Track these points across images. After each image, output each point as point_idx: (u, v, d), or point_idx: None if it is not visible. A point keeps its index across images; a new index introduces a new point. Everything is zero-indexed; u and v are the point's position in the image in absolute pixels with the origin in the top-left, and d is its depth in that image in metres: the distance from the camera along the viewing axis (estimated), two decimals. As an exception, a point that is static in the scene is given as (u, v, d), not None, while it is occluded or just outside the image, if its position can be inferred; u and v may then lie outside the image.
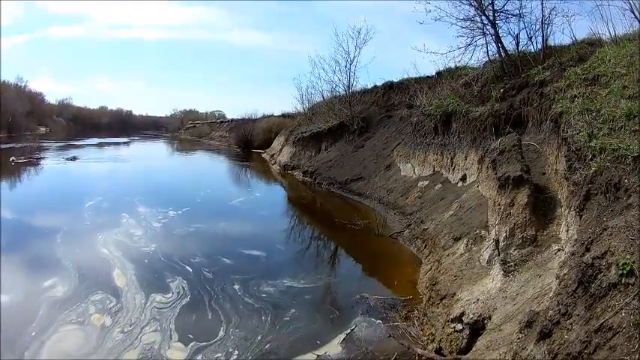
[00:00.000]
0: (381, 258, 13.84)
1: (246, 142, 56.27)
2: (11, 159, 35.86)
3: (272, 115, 62.31)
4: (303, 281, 11.12)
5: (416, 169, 20.23)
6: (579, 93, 9.10)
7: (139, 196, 21.36)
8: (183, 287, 10.33)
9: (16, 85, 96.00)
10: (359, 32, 33.01)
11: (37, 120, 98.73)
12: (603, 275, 4.77)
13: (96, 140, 72.26)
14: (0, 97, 69.86)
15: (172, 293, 9.98)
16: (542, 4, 15.40)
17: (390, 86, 31.73)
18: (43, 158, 38.64)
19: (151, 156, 54.21)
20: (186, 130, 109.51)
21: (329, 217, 19.40)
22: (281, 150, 41.10)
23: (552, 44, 15.40)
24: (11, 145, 48.84)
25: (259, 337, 8.18)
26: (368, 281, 11.87)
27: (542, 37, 15.50)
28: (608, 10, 11.80)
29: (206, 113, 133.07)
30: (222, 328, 8.45)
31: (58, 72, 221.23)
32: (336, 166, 28.04)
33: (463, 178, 15.77)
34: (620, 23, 11.83)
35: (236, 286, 10.47)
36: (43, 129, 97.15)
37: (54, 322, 8.52)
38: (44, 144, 52.77)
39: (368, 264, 13.14)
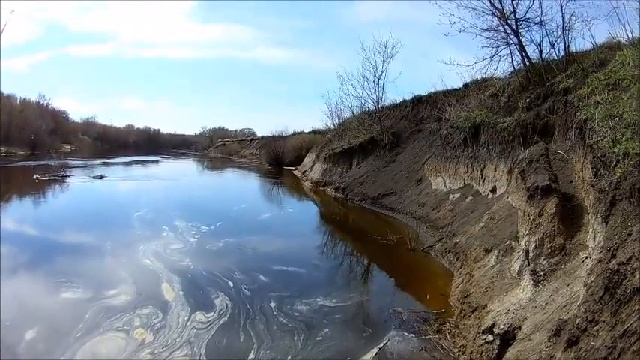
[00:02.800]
0: (413, 272, 13.84)
1: (277, 159, 56.72)
2: (35, 176, 35.81)
3: (302, 132, 63.06)
4: (336, 299, 10.99)
5: (447, 182, 20.20)
6: (602, 99, 9.03)
7: (175, 212, 21.70)
8: (226, 304, 10.39)
9: (38, 102, 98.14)
10: (385, 46, 33.10)
11: (62, 138, 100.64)
12: (628, 280, 4.76)
13: (124, 159, 73.04)
14: (2, 113, 70.66)
15: (214, 312, 10.02)
16: (561, 10, 15.38)
17: (418, 100, 31.71)
18: (68, 176, 38.70)
19: (182, 174, 54.34)
20: (216, 149, 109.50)
21: (361, 233, 19.29)
22: (312, 167, 41.26)
23: (574, 50, 15.38)
24: (35, 163, 49.45)
25: (289, 358, 8.12)
26: (401, 295, 11.77)
27: (564, 43, 15.50)
28: (625, 12, 11.74)
29: (235, 131, 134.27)
30: (253, 350, 8.36)
31: (81, 91, 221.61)
32: (367, 181, 28.06)
33: (493, 190, 15.73)
34: (636, 26, 11.74)
35: (272, 304, 10.46)
36: (68, 147, 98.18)
37: (100, 327, 8.92)
38: (69, 162, 53.32)
39: (401, 278, 13.07)
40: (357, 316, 10.30)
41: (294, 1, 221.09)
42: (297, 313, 10.08)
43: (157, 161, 75.11)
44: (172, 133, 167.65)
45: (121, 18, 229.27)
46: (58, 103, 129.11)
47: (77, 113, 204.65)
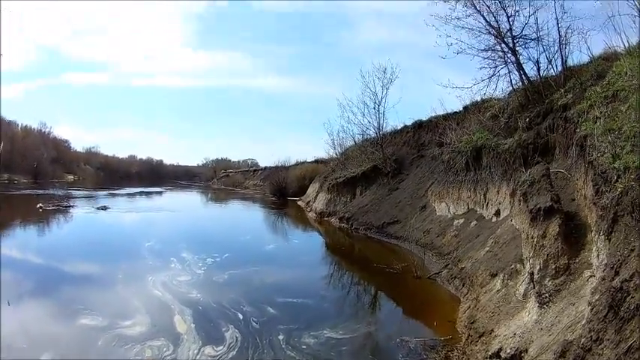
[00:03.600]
0: (420, 300, 13.82)
1: (280, 190, 57.06)
2: (39, 206, 35.37)
3: (305, 162, 63.77)
4: (343, 331, 10.80)
5: (450, 207, 20.14)
6: (601, 113, 8.93)
7: (182, 244, 21.62)
8: (236, 337, 10.23)
9: (40, 130, 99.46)
10: (384, 72, 33.26)
11: (64, 167, 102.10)
12: (631, 297, 4.70)
13: (127, 190, 73.01)
14: (3, 140, 71.04)
15: (224, 345, 9.87)
16: (557, 24, 15.45)
17: (419, 125, 31.76)
18: (72, 207, 38.38)
19: (187, 205, 54.86)
20: (219, 180, 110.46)
21: (367, 262, 19.41)
22: (316, 197, 41.30)
23: (572, 64, 15.36)
24: (40, 192, 50.34)
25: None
26: (408, 324, 11.76)
27: (562, 58, 15.52)
28: (620, 20, 11.67)
29: (239, 162, 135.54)
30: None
31: (81, 119, 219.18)
32: (372, 210, 28.03)
33: (497, 213, 15.63)
34: (632, 33, 11.68)
35: (280, 337, 10.30)
36: (71, 177, 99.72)
37: (111, 356, 9.03)
38: (73, 192, 53.91)
39: (407, 307, 13.06)
40: (364, 347, 10.19)
41: (291, 28, 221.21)
42: (304, 346, 9.95)
43: (160, 192, 75.44)
44: (175, 164, 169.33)
45: (117, 45, 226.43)
46: (58, 132, 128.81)
47: (79, 142, 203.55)
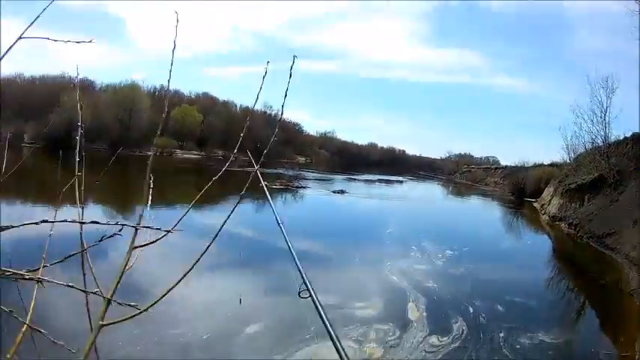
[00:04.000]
0: (615, 314, 14.62)
1: (519, 190, 57.89)
2: (262, 184, 36.53)
3: (542, 164, 63.40)
4: (554, 336, 11.43)
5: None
6: None
7: (424, 233, 23.56)
8: (462, 330, 10.70)
9: (264, 112, 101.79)
10: (607, 81, 33.89)
11: (295, 149, 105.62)
12: None
13: (366, 176, 74.69)
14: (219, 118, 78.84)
15: (449, 337, 10.32)
16: None
17: (638, 138, 31.70)
18: (303, 187, 39.76)
19: (428, 196, 57.22)
20: (461, 174, 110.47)
21: (583, 271, 20.98)
22: (550, 200, 41.72)
23: None
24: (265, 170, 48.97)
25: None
26: (600, 336, 12.67)
27: None
28: None
29: (480, 158, 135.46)
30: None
31: (312, 105, 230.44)
32: (595, 219, 28.65)
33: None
34: None
35: (501, 334, 10.76)
36: (302, 159, 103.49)
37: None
38: (304, 173, 56.80)
39: (605, 319, 14.00)
40: (564, 355, 11.29)
41: (514, 29, 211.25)
42: (518, 346, 10.45)
43: (401, 182, 76.85)
44: (418, 155, 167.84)
45: (345, 38, 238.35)
46: (289, 115, 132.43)
47: (313, 126, 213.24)
